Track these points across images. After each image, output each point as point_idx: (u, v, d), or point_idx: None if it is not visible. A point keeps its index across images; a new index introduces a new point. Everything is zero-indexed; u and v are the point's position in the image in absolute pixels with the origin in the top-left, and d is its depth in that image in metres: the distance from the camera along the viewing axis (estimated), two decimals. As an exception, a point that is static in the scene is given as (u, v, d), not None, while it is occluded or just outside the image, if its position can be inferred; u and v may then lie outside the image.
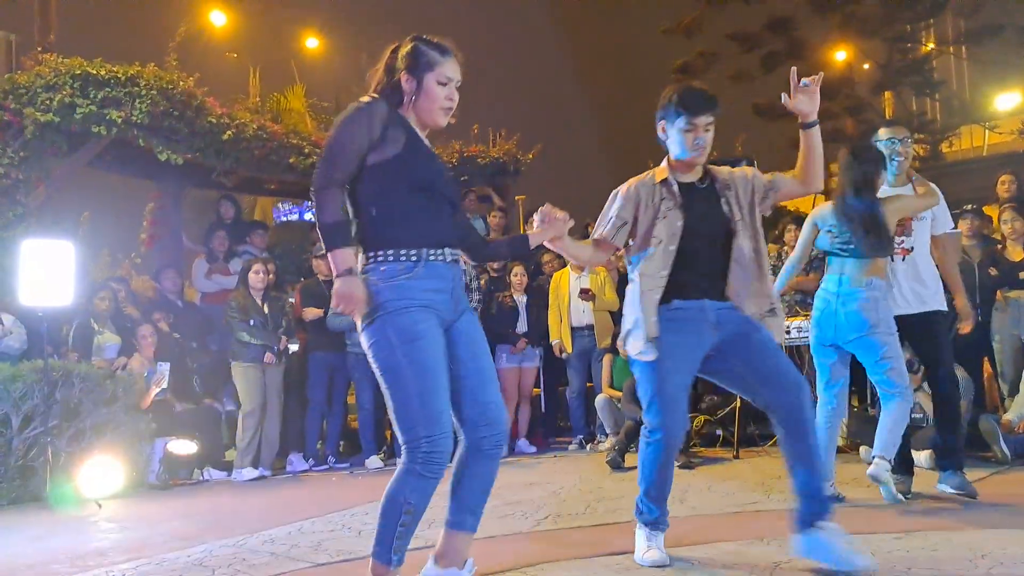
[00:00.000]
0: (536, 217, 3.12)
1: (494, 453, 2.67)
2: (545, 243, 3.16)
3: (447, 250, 2.63)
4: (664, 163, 3.31)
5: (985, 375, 6.55)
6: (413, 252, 2.56)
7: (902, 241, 4.39)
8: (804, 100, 3.16)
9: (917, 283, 4.40)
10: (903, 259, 4.41)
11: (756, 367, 3.15)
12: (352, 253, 2.53)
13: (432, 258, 2.58)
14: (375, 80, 2.74)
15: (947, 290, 4.60)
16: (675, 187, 3.22)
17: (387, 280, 2.53)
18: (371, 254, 2.57)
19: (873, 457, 4.19)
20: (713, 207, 3.22)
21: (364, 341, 2.57)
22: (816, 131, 3.26)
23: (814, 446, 3.14)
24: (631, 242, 3.32)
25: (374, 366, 2.55)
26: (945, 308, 4.48)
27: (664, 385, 3.14)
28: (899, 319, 4.29)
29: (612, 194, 3.37)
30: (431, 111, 2.68)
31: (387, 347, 2.51)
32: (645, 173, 3.35)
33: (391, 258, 2.55)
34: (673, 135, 3.21)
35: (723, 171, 3.33)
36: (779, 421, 3.14)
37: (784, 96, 3.21)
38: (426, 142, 2.70)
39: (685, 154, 3.20)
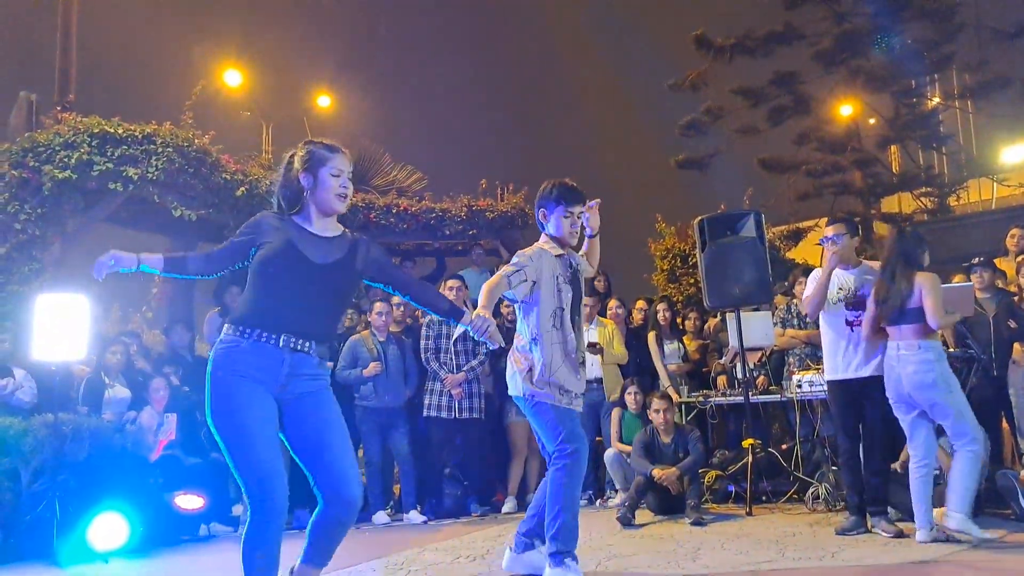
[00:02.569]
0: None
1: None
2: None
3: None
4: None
5: (1003, 430, 6.48)
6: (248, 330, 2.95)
7: (859, 315, 5.08)
8: (594, 217, 4.19)
9: (873, 351, 5.02)
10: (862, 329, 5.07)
11: None
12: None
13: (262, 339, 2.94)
14: (275, 183, 3.19)
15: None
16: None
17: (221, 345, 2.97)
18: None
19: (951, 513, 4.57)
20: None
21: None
22: (598, 239, 4.32)
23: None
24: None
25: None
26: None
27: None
28: (856, 381, 5.07)
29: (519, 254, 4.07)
30: (328, 200, 3.08)
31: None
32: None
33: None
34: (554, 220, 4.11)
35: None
36: None
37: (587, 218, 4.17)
38: (316, 232, 3.09)
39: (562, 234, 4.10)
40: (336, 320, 3.32)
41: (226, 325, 2.98)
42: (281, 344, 2.93)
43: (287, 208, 3.13)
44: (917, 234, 5.09)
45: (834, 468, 5.97)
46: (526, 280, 3.93)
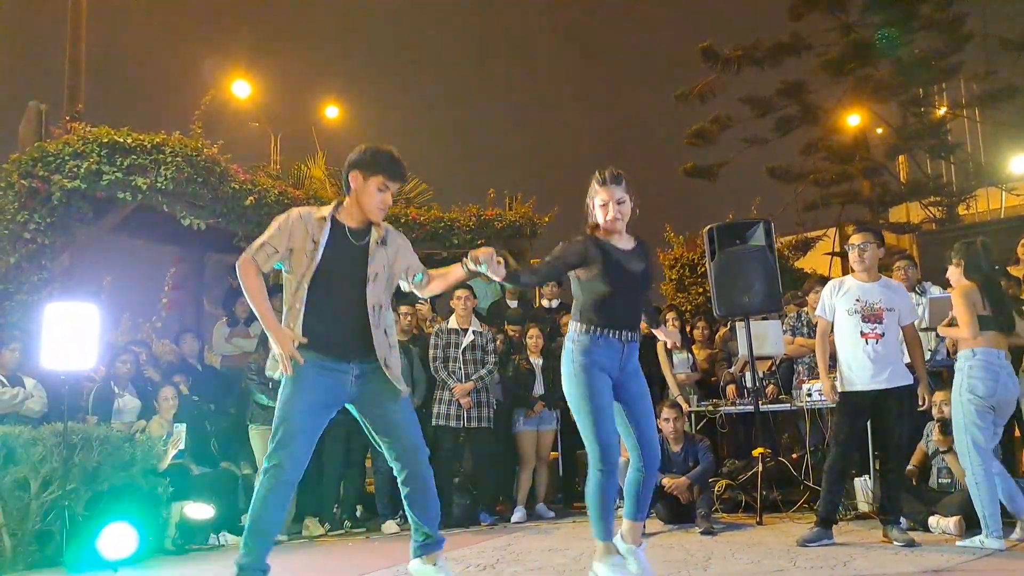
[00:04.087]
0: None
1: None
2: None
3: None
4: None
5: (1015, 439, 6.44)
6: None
7: (874, 328, 5.09)
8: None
9: (889, 363, 5.08)
10: (876, 342, 5.08)
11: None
12: None
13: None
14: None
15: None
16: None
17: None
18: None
19: None
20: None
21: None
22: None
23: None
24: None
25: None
26: (910, 382, 5.16)
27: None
28: (870, 393, 5.06)
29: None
30: (603, 223, 3.82)
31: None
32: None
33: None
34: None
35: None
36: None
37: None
38: (622, 247, 3.87)
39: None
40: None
41: (577, 323, 3.83)
42: (621, 339, 3.83)
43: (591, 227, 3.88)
44: None
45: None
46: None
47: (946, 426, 5.58)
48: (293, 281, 3.61)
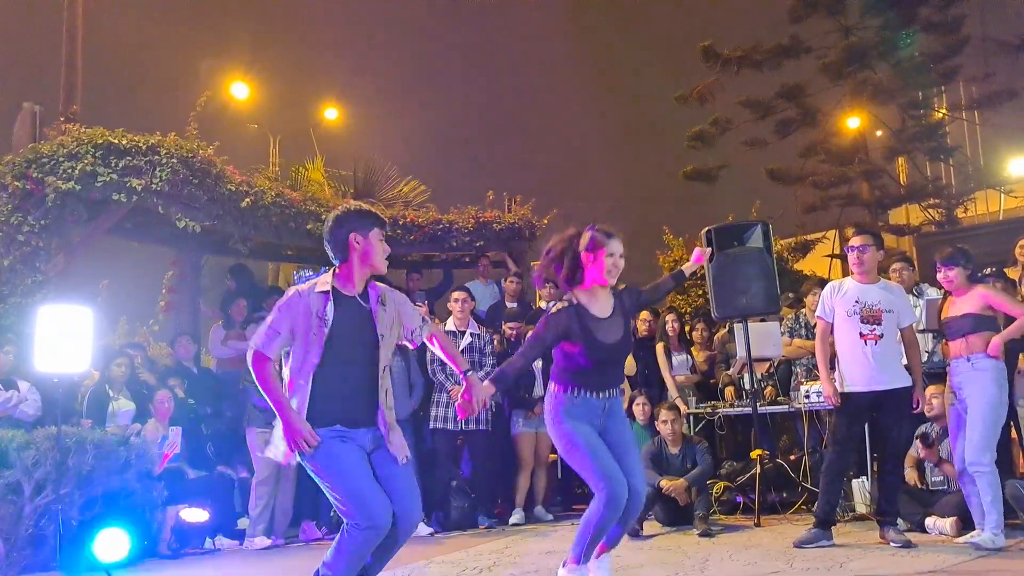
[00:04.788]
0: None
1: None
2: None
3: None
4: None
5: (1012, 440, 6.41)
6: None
7: (873, 329, 5.08)
8: None
9: (889, 364, 5.07)
10: (875, 343, 5.06)
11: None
12: None
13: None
14: (554, 259, 3.89)
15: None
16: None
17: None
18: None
19: None
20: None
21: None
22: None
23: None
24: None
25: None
26: (910, 384, 5.14)
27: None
28: (869, 395, 5.05)
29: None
30: (599, 277, 3.82)
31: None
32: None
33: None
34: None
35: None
36: None
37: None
38: (598, 315, 3.85)
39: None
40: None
41: (555, 383, 3.89)
42: (600, 398, 3.87)
43: (567, 280, 3.87)
44: None
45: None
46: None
47: (927, 438, 5.60)
48: (299, 355, 3.55)
